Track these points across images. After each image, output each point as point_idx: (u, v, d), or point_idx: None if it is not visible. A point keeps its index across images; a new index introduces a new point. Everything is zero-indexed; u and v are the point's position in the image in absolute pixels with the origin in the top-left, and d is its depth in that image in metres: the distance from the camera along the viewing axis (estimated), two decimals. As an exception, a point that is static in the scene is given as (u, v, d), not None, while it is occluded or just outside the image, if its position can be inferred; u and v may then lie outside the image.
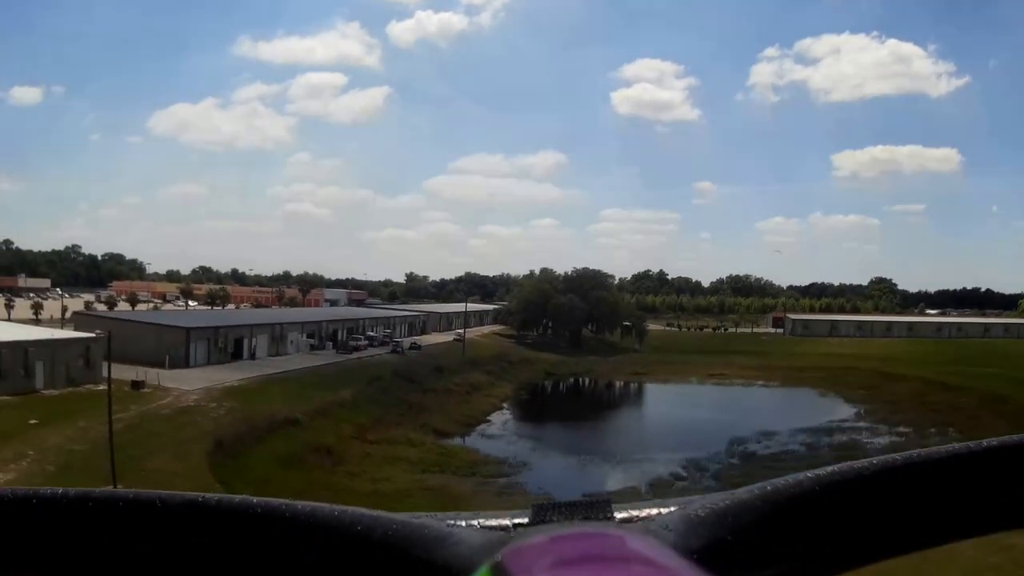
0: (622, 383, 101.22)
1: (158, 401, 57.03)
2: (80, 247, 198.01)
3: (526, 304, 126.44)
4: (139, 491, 0.59)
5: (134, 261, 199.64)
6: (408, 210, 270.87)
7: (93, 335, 64.32)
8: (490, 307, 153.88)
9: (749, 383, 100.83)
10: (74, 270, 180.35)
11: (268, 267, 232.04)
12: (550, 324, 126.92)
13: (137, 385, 58.71)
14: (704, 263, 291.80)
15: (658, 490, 45.35)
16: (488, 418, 73.08)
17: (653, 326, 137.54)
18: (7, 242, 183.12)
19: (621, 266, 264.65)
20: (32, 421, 48.07)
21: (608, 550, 0.47)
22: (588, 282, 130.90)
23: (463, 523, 0.59)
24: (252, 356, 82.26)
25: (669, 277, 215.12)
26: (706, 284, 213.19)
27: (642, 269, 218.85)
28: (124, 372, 51.49)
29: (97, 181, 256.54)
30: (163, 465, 42.58)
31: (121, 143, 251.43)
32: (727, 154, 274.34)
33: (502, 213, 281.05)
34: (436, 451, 56.96)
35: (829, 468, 0.62)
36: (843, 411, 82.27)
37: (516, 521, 0.58)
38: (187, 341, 74.45)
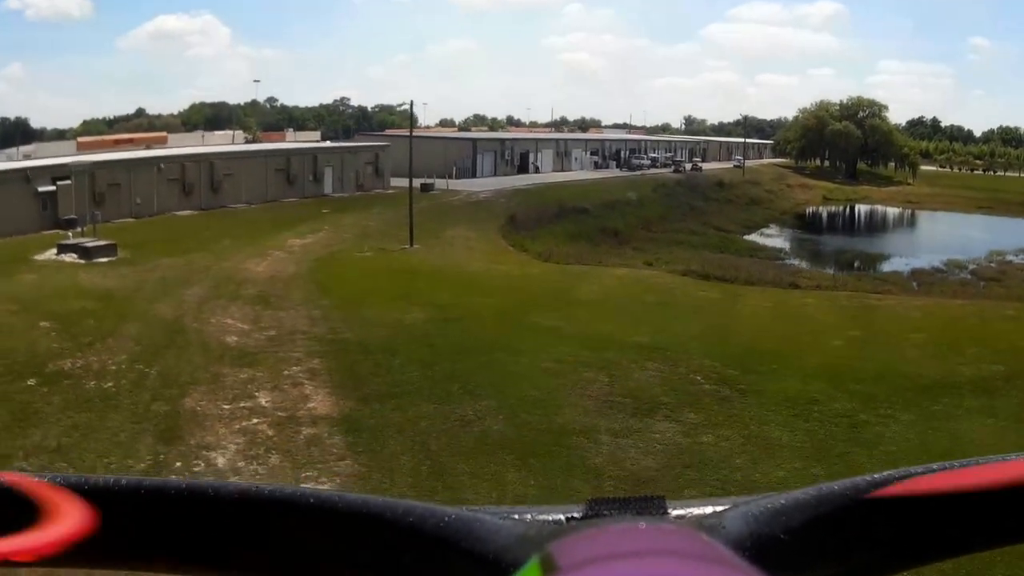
0: (896, 211, 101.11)
1: (449, 198, 58.19)
2: (349, 99, 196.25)
3: (804, 131, 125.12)
4: (191, 480, 0.57)
5: (405, 111, 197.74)
6: (685, 59, 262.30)
7: (381, 144, 65.41)
8: (768, 142, 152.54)
9: (1016, 217, 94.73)
10: (343, 123, 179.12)
11: (543, 116, 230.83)
12: (826, 155, 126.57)
13: (426, 187, 59.57)
14: (976, 117, 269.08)
15: (918, 276, 46.59)
16: (767, 225, 74.10)
17: (925, 168, 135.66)
18: (271, 99, 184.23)
19: (896, 120, 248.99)
20: (325, 211, 50.18)
21: (658, 545, 0.47)
22: (863, 111, 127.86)
23: (516, 516, 0.58)
24: (537, 170, 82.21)
25: (942, 125, 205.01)
26: (977, 134, 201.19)
27: (916, 116, 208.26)
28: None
29: (360, 42, 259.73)
30: (458, 233, 43.47)
31: (385, 2, 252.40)
32: (1002, 10, 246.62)
33: (779, 62, 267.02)
34: (717, 239, 57.73)
35: (886, 473, 0.61)
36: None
37: (569, 515, 0.57)
38: (473, 152, 75.26)
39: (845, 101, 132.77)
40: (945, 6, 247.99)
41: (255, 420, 14.49)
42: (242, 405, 15.21)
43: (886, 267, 53.68)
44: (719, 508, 0.58)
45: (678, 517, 0.57)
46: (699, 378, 17.79)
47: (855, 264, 55.56)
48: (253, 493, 0.55)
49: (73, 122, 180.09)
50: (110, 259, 35.13)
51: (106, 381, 16.42)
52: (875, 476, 0.59)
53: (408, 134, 49.42)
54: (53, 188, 45.38)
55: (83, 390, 15.86)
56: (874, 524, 0.58)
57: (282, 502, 0.56)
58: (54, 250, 36.67)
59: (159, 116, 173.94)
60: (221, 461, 12.71)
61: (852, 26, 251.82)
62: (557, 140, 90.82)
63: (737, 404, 16.32)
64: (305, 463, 12.75)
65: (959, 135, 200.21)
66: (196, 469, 12.42)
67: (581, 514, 0.56)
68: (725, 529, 0.54)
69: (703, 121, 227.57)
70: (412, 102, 43.11)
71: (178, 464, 12.53)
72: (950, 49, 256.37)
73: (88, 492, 0.54)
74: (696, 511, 0.58)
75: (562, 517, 0.56)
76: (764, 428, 15.06)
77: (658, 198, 69.79)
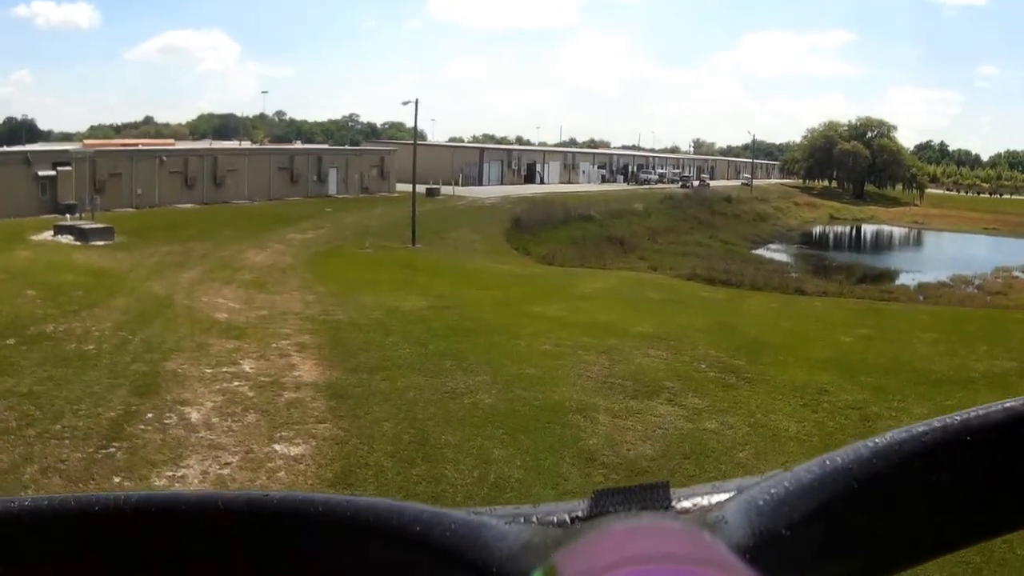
0: (902, 231, 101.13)
1: (454, 203, 58.01)
2: (358, 115, 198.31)
3: (812, 151, 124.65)
4: (201, 491, 0.56)
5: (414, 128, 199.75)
6: (695, 84, 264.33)
7: (388, 149, 65.13)
8: (776, 162, 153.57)
9: (1022, 237, 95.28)
10: (352, 138, 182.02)
11: (552, 136, 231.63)
12: (834, 175, 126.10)
13: (432, 192, 59.40)
14: (984, 141, 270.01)
15: (924, 289, 46.53)
16: (773, 241, 74.67)
17: (932, 191, 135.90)
18: (280, 112, 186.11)
19: (904, 144, 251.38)
20: (328, 209, 50.16)
21: (659, 549, 0.46)
22: (871, 131, 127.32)
23: (522, 519, 0.57)
24: (543, 180, 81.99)
25: (950, 149, 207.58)
26: (985, 158, 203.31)
27: (924, 140, 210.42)
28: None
29: (370, 62, 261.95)
30: (462, 235, 43.65)
31: (397, 28, 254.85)
32: (1012, 39, 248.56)
33: (789, 89, 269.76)
34: (722, 251, 57.78)
35: (886, 434, 0.57)
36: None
37: (575, 514, 0.56)
38: (480, 160, 75.21)
39: (854, 121, 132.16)
40: (955, 35, 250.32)
41: (236, 383, 13.86)
42: (225, 370, 14.59)
43: (892, 282, 53.79)
44: (723, 496, 0.57)
45: (682, 510, 0.56)
46: (703, 366, 17.09)
47: (861, 279, 54.63)
48: (260, 501, 0.55)
49: (80, 127, 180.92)
50: (107, 242, 34.69)
51: (87, 344, 15.93)
52: (876, 440, 0.57)
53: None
54: (53, 173, 44.98)
55: (63, 350, 15.40)
56: (881, 501, 0.56)
57: (290, 510, 0.55)
58: (51, 231, 36.22)
59: (167, 125, 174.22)
60: (195, 416, 12.06)
61: (863, 54, 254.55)
62: (564, 152, 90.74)
63: (743, 392, 15.59)
64: (283, 423, 12.08)
65: (966, 159, 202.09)
66: (167, 420, 11.80)
67: (586, 509, 0.55)
68: (728, 524, 0.53)
69: (711, 144, 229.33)
70: (416, 100, 42.46)
71: (150, 415, 11.91)
72: (959, 76, 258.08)
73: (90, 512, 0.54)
74: (700, 500, 0.57)
75: (567, 516, 0.56)
76: (771, 417, 14.32)
77: (665, 210, 70.22)
